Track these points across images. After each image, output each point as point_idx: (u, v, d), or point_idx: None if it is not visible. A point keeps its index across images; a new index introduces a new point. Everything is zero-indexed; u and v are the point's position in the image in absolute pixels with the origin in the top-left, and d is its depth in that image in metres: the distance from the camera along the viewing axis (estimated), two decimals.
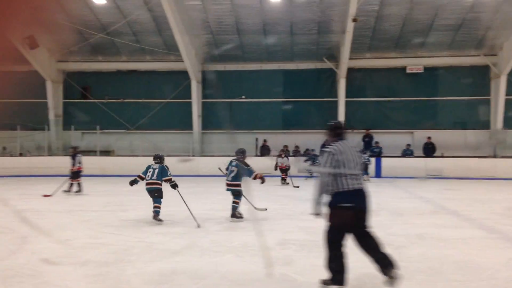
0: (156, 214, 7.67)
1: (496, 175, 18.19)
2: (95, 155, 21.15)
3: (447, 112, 21.16)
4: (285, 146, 20.00)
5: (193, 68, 20.73)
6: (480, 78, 20.96)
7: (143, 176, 8.10)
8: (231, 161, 8.38)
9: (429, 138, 20.09)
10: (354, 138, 20.50)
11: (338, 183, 4.10)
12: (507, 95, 19.88)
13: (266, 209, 8.90)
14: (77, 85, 22.53)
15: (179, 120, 22.15)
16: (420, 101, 21.30)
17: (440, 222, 7.83)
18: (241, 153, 8.46)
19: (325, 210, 4.26)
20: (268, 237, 6.48)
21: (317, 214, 4.31)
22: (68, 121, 22.21)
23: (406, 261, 5.05)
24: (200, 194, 12.67)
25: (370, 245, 4.25)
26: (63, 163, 20.12)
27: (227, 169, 8.36)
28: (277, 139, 20.71)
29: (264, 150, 20.41)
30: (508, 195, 12.77)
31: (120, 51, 22.05)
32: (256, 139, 21.03)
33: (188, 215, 8.60)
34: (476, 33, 19.78)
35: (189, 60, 20.10)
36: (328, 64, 21.20)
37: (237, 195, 8.12)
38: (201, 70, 22.11)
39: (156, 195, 7.85)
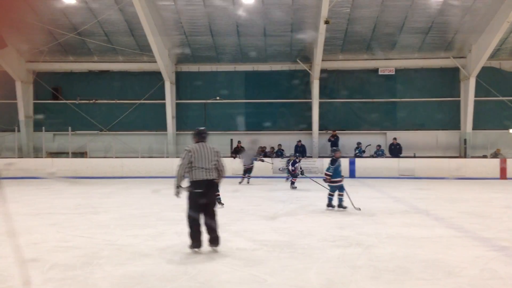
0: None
1: (466, 174, 18.62)
2: (67, 157, 20.77)
3: (418, 113, 21.56)
4: (263, 147, 20.18)
5: (167, 69, 20.55)
6: (450, 80, 21.45)
7: None
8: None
9: (394, 139, 20.43)
10: (317, 138, 20.77)
11: (193, 174, 5.63)
12: (476, 96, 20.37)
13: (360, 208, 9.32)
14: (48, 86, 22.04)
15: (153, 121, 21.94)
16: (392, 102, 21.66)
17: (410, 221, 7.97)
18: (333, 151, 9.89)
19: (184, 193, 5.68)
20: (240, 238, 6.48)
21: (177, 194, 5.71)
22: (39, 122, 21.71)
23: (375, 260, 5.13)
24: (172, 196, 12.52)
25: (210, 224, 5.68)
26: (34, 165, 19.83)
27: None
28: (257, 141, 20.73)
29: (238, 152, 20.36)
30: (477, 194, 13.08)
31: (91, 52, 21.69)
32: (231, 140, 20.99)
33: (161, 217, 8.55)
34: (445, 36, 20.23)
35: (162, 61, 19.92)
36: (301, 66, 21.34)
37: (337, 188, 9.53)
38: (175, 71, 21.97)
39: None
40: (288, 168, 15.26)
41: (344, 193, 9.53)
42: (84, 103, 22.04)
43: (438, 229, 7.17)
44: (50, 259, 5.27)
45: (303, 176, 14.43)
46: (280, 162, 19.26)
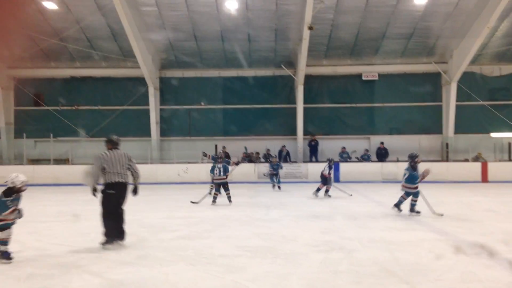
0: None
1: (448, 178, 18.82)
2: (49, 164, 20.47)
3: (401, 118, 21.79)
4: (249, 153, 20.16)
5: (150, 74, 20.44)
6: (432, 85, 21.72)
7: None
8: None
9: (382, 143, 20.63)
10: (302, 143, 20.85)
11: (106, 177, 6.29)
12: (457, 101, 20.65)
13: (442, 214, 9.01)
14: (29, 92, 21.75)
15: (136, 127, 21.75)
16: (376, 107, 21.85)
17: (393, 225, 8.00)
18: (411, 157, 9.45)
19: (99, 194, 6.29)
20: (223, 244, 6.42)
21: (94, 195, 6.37)
22: (20, 129, 21.38)
23: (357, 265, 5.12)
24: (156, 203, 12.45)
25: (119, 221, 6.37)
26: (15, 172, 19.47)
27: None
28: (236, 145, 20.67)
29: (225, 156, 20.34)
30: (458, 198, 13.23)
31: (73, 57, 21.47)
32: (216, 146, 20.92)
33: (142, 224, 8.44)
34: (427, 42, 20.51)
35: (146, 67, 19.82)
36: (286, 71, 21.40)
37: (415, 194, 9.20)
38: (159, 76, 21.86)
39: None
40: (322, 173, 13.30)
41: (420, 199, 9.22)
42: (66, 110, 21.79)
43: (420, 233, 7.21)
44: (28, 269, 5.16)
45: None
46: (264, 168, 19.23)
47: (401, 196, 9.46)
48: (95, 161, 6.31)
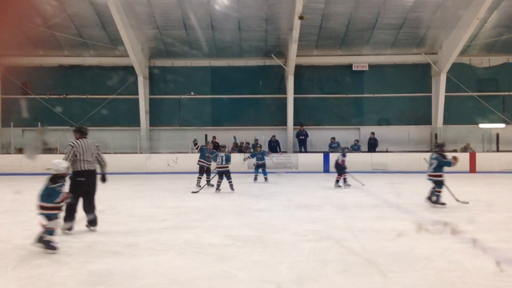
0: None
1: None
2: (37, 153, 20.28)
3: (391, 109, 21.89)
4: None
5: (140, 63, 20.27)
6: (421, 75, 21.82)
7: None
8: (431, 155, 9.40)
9: (372, 134, 20.75)
10: (292, 133, 20.85)
11: (77, 165, 6.57)
12: (446, 92, 20.78)
13: (467, 202, 9.09)
14: (17, 81, 21.46)
15: (126, 116, 21.63)
16: (366, 98, 21.92)
17: (382, 215, 8.06)
18: (439, 146, 9.47)
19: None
20: (212, 234, 6.43)
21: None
22: (7, 118, 21.13)
23: (345, 254, 5.16)
24: (146, 192, 12.42)
25: (89, 208, 6.75)
26: (3, 161, 19.28)
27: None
28: (226, 135, 20.64)
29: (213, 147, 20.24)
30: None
31: (61, 46, 21.20)
32: (206, 135, 20.87)
33: (132, 213, 8.43)
34: (417, 32, 20.55)
35: (135, 55, 19.64)
36: (276, 61, 21.35)
37: (439, 184, 9.07)
38: (148, 65, 21.70)
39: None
40: (337, 162, 13.08)
41: (444, 189, 9.09)
42: (54, 98, 21.57)
43: (407, 222, 7.28)
44: (16, 258, 5.12)
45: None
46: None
47: (435, 190, 9.10)
48: (68, 150, 6.53)
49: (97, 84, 21.81)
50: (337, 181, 13.00)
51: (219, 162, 11.96)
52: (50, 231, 5.41)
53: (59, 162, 5.62)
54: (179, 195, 11.43)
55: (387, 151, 20.66)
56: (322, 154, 19.73)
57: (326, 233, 6.34)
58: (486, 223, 7.28)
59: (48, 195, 5.42)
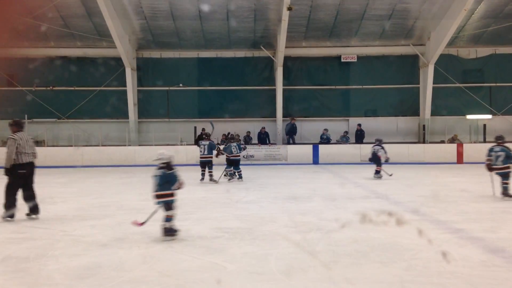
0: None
1: (425, 160, 19.15)
2: None
3: (379, 100, 21.94)
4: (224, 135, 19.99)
5: (127, 54, 20.07)
6: (409, 67, 21.89)
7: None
8: (492, 148, 9.28)
9: (359, 125, 20.82)
10: (281, 125, 20.89)
11: (18, 157, 6.92)
12: (434, 83, 20.89)
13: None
14: (2, 72, 21.12)
15: (114, 108, 21.41)
16: (355, 89, 21.94)
17: (370, 206, 8.11)
18: (500, 138, 9.33)
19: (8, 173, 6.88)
20: (201, 226, 6.42)
21: (8, 174, 6.91)
22: None
23: (334, 245, 5.19)
24: (135, 184, 12.35)
25: (29, 197, 7.08)
26: None
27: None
28: (216, 127, 20.52)
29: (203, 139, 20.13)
30: (434, 179, 13.48)
31: (47, 37, 20.88)
32: (195, 127, 20.77)
33: (120, 206, 8.38)
34: (405, 23, 20.57)
35: (123, 46, 19.42)
36: (265, 52, 21.25)
37: (507, 176, 8.90)
38: (136, 57, 21.48)
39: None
40: (374, 153, 13.11)
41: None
42: (41, 90, 21.26)
43: (396, 214, 7.31)
44: (3, 251, 5.08)
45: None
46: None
47: (504, 183, 8.90)
48: (11, 143, 6.88)
49: (85, 75, 21.52)
50: (377, 172, 12.96)
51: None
52: (169, 219, 5.63)
53: (168, 151, 5.82)
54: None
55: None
56: (311, 146, 19.77)
57: (315, 225, 6.36)
58: (473, 213, 7.36)
59: (166, 183, 5.61)
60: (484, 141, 20.64)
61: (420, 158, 19.19)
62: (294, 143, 20.57)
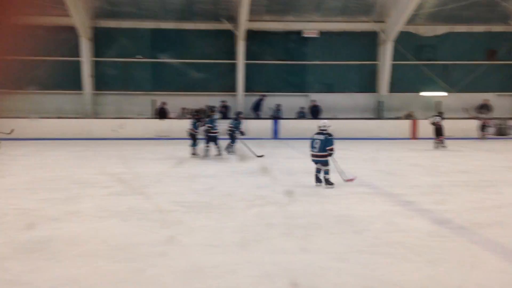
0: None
1: (381, 135, 19.60)
2: None
3: (339, 76, 22.11)
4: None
5: (82, 24, 19.25)
6: (370, 44, 22.08)
7: None
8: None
9: (313, 101, 20.99)
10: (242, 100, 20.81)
11: None
12: (393, 60, 21.24)
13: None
14: None
15: (68, 80, 20.57)
16: (316, 65, 21.99)
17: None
18: None
19: None
20: (157, 200, 6.36)
21: None
22: None
23: (289, 217, 5.27)
24: (89, 158, 12.04)
25: None
26: None
27: None
28: (175, 101, 20.25)
29: (162, 113, 19.81)
30: (389, 154, 13.84)
31: None
32: (152, 101, 20.34)
33: (74, 180, 8.16)
34: (367, 0, 20.68)
35: (77, 15, 18.61)
36: (227, 25, 20.90)
37: None
38: (92, 26, 20.62)
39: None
40: (435, 123, 14.69)
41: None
42: None
43: (350, 187, 7.49)
44: None
45: None
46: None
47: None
48: None
49: (35, 45, 20.49)
50: (441, 141, 14.19)
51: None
52: (327, 171, 7.33)
53: (328, 121, 7.95)
54: (124, 161, 11.17)
55: (334, 118, 20.96)
56: (271, 121, 19.83)
57: (272, 198, 6.43)
58: (423, 186, 7.62)
59: (325, 145, 7.34)
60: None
61: (376, 133, 19.62)
62: (259, 117, 20.46)
